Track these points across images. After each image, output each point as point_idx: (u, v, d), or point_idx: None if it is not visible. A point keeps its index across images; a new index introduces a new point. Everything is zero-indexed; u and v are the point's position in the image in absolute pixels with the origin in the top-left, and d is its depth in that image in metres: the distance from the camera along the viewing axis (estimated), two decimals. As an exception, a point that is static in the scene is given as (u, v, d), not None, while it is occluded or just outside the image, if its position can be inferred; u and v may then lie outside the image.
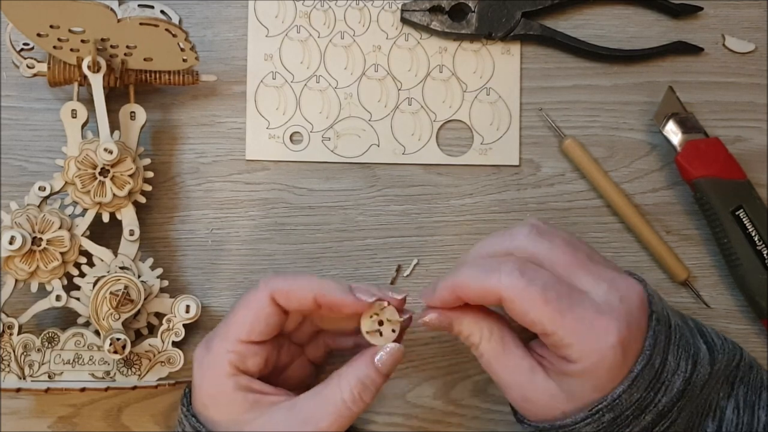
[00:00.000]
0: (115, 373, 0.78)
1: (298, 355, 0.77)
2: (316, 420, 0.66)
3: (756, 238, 0.81)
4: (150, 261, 0.80)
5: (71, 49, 0.77)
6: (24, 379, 0.77)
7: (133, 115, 0.80)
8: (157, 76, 0.81)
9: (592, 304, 0.64)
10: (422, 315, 0.69)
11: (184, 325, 0.79)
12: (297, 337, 0.76)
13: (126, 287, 0.76)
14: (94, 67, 0.77)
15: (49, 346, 0.78)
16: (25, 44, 0.80)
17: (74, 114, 0.79)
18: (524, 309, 0.64)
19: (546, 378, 0.66)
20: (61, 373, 0.78)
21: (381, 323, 0.68)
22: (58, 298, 0.77)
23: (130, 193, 0.78)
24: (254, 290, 0.69)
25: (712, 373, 0.68)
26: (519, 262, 0.65)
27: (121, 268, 0.78)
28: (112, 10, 0.73)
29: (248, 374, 0.69)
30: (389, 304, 0.68)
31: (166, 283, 0.80)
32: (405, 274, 0.85)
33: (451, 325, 0.69)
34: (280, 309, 0.69)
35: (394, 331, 0.68)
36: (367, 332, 0.68)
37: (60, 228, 0.76)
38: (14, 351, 0.77)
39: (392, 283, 0.85)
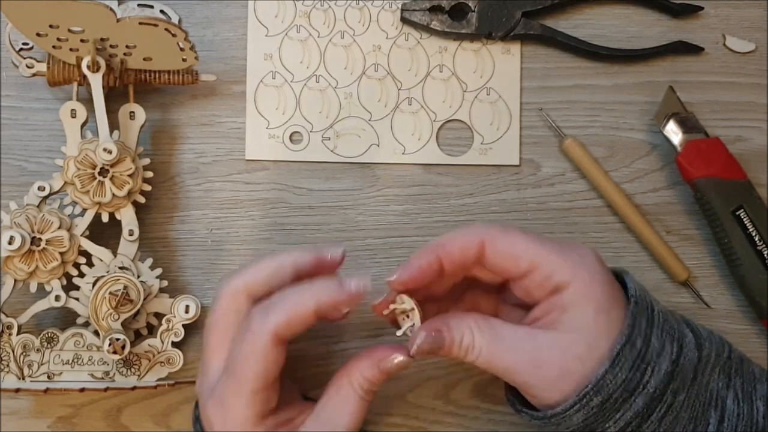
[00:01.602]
0: (114, 374, 0.78)
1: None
2: (342, 422, 0.68)
3: (756, 238, 0.81)
4: (149, 261, 0.80)
5: (70, 49, 0.77)
6: (23, 379, 0.77)
7: (132, 115, 0.80)
8: (157, 75, 0.81)
9: (558, 240, 0.68)
10: (410, 344, 0.67)
11: (183, 326, 0.79)
12: None
13: (125, 287, 0.76)
14: (94, 67, 0.77)
15: (49, 346, 0.78)
16: (24, 44, 0.80)
17: (73, 114, 0.78)
18: (508, 244, 0.66)
19: (547, 332, 0.66)
20: (61, 373, 0.78)
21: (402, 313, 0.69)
22: (57, 298, 0.77)
23: (130, 193, 0.78)
24: (251, 336, 0.65)
25: (701, 357, 0.68)
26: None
27: (121, 268, 0.78)
28: (111, 9, 0.73)
29: (273, 410, 0.69)
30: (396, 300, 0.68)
31: (165, 283, 0.80)
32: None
33: (441, 335, 0.66)
34: (285, 342, 0.66)
35: (408, 315, 0.68)
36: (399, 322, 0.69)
37: (59, 228, 0.76)
38: (13, 351, 0.77)
39: (392, 283, 0.85)
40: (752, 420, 0.68)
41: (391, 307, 0.68)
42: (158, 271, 0.80)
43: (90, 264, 0.79)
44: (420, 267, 0.67)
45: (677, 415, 0.66)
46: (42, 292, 0.78)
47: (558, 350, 0.65)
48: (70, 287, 0.78)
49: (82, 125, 0.79)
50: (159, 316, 0.80)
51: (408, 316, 0.68)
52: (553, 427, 0.67)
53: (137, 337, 0.80)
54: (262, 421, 0.67)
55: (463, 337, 0.67)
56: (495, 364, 0.67)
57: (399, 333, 0.68)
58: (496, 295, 0.75)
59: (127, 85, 0.81)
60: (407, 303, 0.68)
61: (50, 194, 0.78)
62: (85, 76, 0.77)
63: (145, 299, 0.77)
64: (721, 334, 0.72)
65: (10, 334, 0.77)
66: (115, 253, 0.79)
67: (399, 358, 0.68)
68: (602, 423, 0.65)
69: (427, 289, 0.70)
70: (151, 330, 0.80)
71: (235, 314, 0.68)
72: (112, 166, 0.76)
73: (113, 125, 0.79)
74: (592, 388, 0.64)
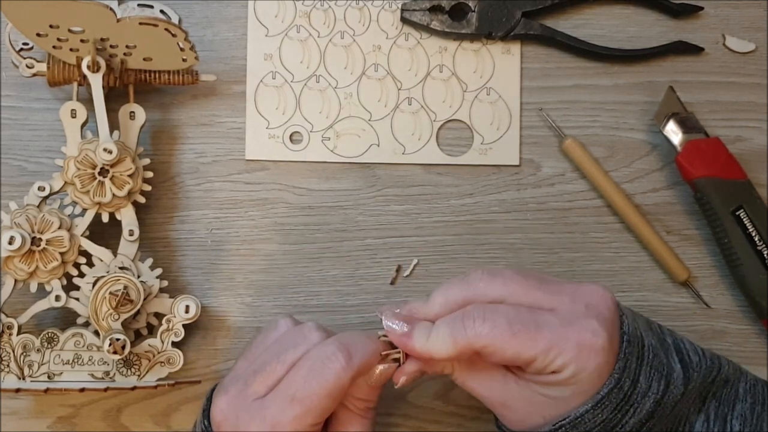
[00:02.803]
0: (114, 374, 0.78)
1: None
2: None
3: (756, 238, 0.81)
4: (149, 261, 0.80)
5: (71, 49, 0.77)
6: (23, 379, 0.77)
7: (132, 115, 0.80)
8: (157, 75, 0.81)
9: (559, 318, 0.64)
10: (397, 377, 0.68)
11: (183, 326, 0.79)
12: None
13: (125, 287, 0.76)
14: (94, 67, 0.77)
15: (49, 346, 0.78)
16: (24, 44, 0.80)
17: (74, 114, 0.78)
18: (500, 350, 0.63)
19: (519, 383, 0.67)
20: (61, 373, 0.78)
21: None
22: (57, 298, 0.77)
23: (130, 193, 0.78)
24: (335, 376, 0.64)
25: (686, 392, 0.67)
26: (478, 308, 0.65)
27: (121, 268, 0.78)
28: (111, 9, 0.73)
29: None
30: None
31: (165, 283, 0.80)
32: (405, 274, 0.85)
33: (423, 369, 0.68)
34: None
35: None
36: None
37: (59, 228, 0.76)
38: (14, 351, 0.77)
39: (392, 283, 0.85)
40: None
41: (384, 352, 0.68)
42: (158, 271, 0.80)
43: (90, 264, 0.79)
44: (416, 368, 0.68)
45: None
46: (42, 292, 0.78)
47: (525, 402, 0.67)
48: (70, 287, 0.78)
49: (82, 125, 0.79)
50: (159, 316, 0.80)
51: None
52: None
53: (137, 337, 0.80)
54: None
55: (443, 368, 0.68)
56: (469, 389, 0.69)
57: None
58: None
59: (127, 85, 0.81)
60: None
61: (50, 194, 0.78)
62: (85, 76, 0.77)
63: (145, 299, 0.77)
64: (729, 339, 0.72)
65: (10, 334, 0.77)
66: (115, 253, 0.79)
67: (379, 368, 0.68)
68: None
69: None
70: (151, 330, 0.80)
71: (334, 390, 0.67)
72: (112, 166, 0.76)
73: (113, 125, 0.79)
74: (568, 422, 0.64)
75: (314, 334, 0.69)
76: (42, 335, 0.78)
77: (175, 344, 0.79)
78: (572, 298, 0.66)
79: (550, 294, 0.66)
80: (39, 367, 0.77)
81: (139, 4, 0.84)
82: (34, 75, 0.79)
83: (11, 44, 0.80)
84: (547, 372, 0.64)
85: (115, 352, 0.74)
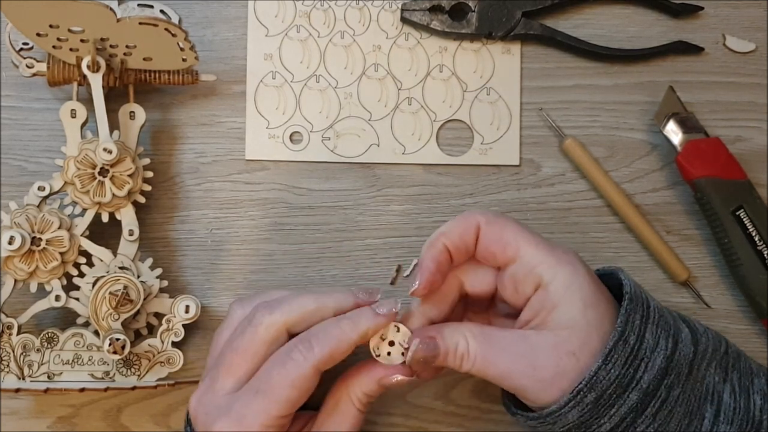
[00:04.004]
0: (114, 374, 0.78)
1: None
2: None
3: (756, 238, 0.81)
4: (149, 261, 0.80)
5: (71, 49, 0.77)
6: (23, 379, 0.77)
7: (132, 115, 0.80)
8: (157, 75, 0.81)
9: (563, 249, 0.70)
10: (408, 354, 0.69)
11: (183, 326, 0.79)
12: None
13: (125, 287, 0.76)
14: (94, 67, 0.77)
15: (49, 346, 0.78)
16: (24, 44, 0.80)
17: (73, 114, 0.78)
18: (499, 228, 0.69)
19: (538, 333, 0.68)
20: (61, 373, 0.78)
21: (387, 341, 0.69)
22: (57, 298, 0.77)
23: (130, 193, 0.78)
24: (295, 365, 0.65)
25: (697, 352, 0.68)
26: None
27: (121, 268, 0.78)
28: (111, 9, 0.73)
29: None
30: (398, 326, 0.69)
31: (165, 283, 0.80)
32: (405, 274, 0.85)
33: (435, 342, 0.67)
34: (320, 373, 0.67)
35: (402, 354, 0.69)
36: (376, 347, 0.69)
37: (59, 228, 0.76)
38: (13, 351, 0.77)
39: (392, 283, 0.85)
40: (749, 413, 0.68)
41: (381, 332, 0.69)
42: (158, 271, 0.80)
43: (90, 264, 0.79)
44: (435, 260, 0.69)
45: (672, 409, 0.66)
46: (42, 292, 0.78)
47: (551, 348, 0.66)
48: (70, 287, 0.78)
49: (82, 125, 0.79)
50: (159, 316, 0.80)
51: (393, 343, 0.69)
52: (549, 427, 0.68)
53: (137, 337, 0.80)
54: None
55: (457, 345, 0.68)
56: (490, 370, 0.68)
57: (380, 358, 0.69)
58: (487, 311, 0.77)
59: (127, 85, 0.81)
60: (400, 337, 0.69)
61: (50, 194, 0.78)
62: (85, 76, 0.77)
63: (145, 299, 0.77)
64: (729, 339, 0.73)
65: (10, 334, 0.77)
66: (115, 253, 0.79)
67: (399, 377, 0.69)
68: (597, 419, 0.66)
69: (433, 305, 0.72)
70: (151, 330, 0.80)
71: (270, 345, 0.68)
72: (112, 166, 0.76)
73: (113, 125, 0.79)
74: (585, 384, 0.64)
75: (262, 317, 0.69)
76: (42, 335, 0.78)
77: (175, 344, 0.79)
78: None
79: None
80: (39, 367, 0.77)
81: (139, 4, 0.84)
82: (34, 75, 0.79)
83: (11, 44, 0.80)
84: (531, 279, 0.68)
85: (115, 352, 0.74)
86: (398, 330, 0.69)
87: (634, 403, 0.65)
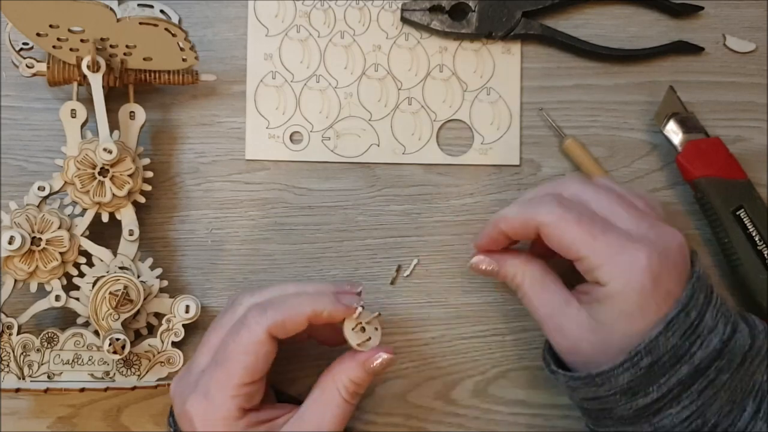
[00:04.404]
0: (114, 374, 0.78)
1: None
2: (325, 423, 0.70)
3: (756, 238, 0.81)
4: (149, 261, 0.80)
5: (71, 49, 0.77)
6: (23, 379, 0.77)
7: (132, 115, 0.80)
8: (157, 75, 0.81)
9: (624, 233, 0.69)
10: (471, 258, 0.78)
11: (183, 326, 0.79)
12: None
13: (125, 287, 0.76)
14: (94, 67, 0.77)
15: (49, 346, 0.78)
16: (24, 44, 0.80)
17: (73, 114, 0.78)
18: (559, 233, 0.69)
19: (578, 308, 0.71)
20: (61, 373, 0.78)
21: (362, 328, 0.70)
22: (57, 298, 0.77)
23: (130, 192, 0.78)
24: (246, 330, 0.68)
25: (753, 347, 0.69)
26: (558, 196, 0.72)
27: (121, 268, 0.78)
28: (111, 9, 0.73)
29: (255, 409, 0.70)
30: (363, 308, 0.70)
31: (165, 283, 0.80)
32: (405, 274, 0.85)
33: (496, 268, 0.77)
34: (276, 341, 0.68)
35: (376, 329, 0.71)
36: (352, 330, 0.70)
37: (59, 228, 0.76)
38: (13, 351, 0.77)
39: (392, 283, 0.85)
40: None
41: (356, 315, 0.70)
42: (158, 271, 0.80)
43: (90, 264, 0.79)
44: (489, 238, 0.76)
45: (717, 392, 0.67)
46: (42, 292, 0.78)
47: (576, 326, 0.71)
48: (70, 287, 0.78)
49: (82, 125, 0.79)
50: (159, 316, 0.80)
51: (364, 329, 0.71)
52: (593, 389, 0.69)
53: (137, 337, 0.80)
54: (244, 416, 0.68)
55: (515, 275, 0.76)
56: (530, 307, 0.75)
57: (356, 344, 0.70)
58: None
59: (127, 85, 0.81)
60: (365, 316, 0.71)
61: (50, 194, 0.78)
62: (85, 76, 0.77)
63: (145, 299, 0.77)
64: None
65: (10, 334, 0.77)
66: (115, 253, 0.79)
67: (383, 356, 0.70)
68: (646, 386, 0.67)
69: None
70: (151, 330, 0.80)
71: (261, 349, 0.69)
72: (112, 166, 0.76)
73: (113, 125, 0.79)
74: (644, 347, 0.66)
75: (245, 299, 0.71)
76: (42, 335, 0.78)
77: (175, 344, 0.79)
78: (650, 226, 0.70)
79: (633, 216, 0.71)
80: (39, 367, 0.77)
81: (139, 4, 0.84)
82: (34, 75, 0.79)
83: (11, 44, 0.80)
84: (592, 278, 0.69)
85: (115, 352, 0.74)
86: (369, 323, 0.70)
87: (683, 376, 0.66)
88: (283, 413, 0.71)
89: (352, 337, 0.69)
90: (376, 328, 0.70)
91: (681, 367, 0.66)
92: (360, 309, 0.69)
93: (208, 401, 0.68)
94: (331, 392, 0.70)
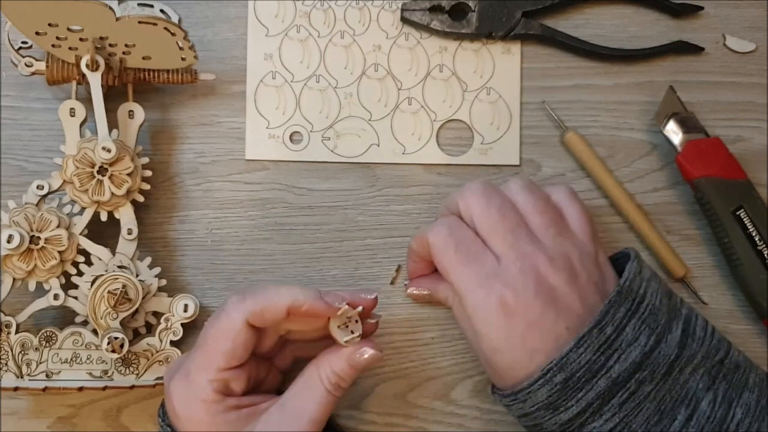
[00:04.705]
0: (113, 372, 0.78)
1: (270, 367, 0.77)
2: (307, 412, 0.69)
3: (756, 238, 0.81)
4: (148, 260, 0.80)
5: (70, 48, 0.77)
6: (22, 378, 0.77)
7: (131, 114, 0.80)
8: (156, 74, 0.81)
9: (492, 267, 0.71)
10: (407, 287, 0.84)
11: (182, 325, 0.79)
12: (267, 351, 0.76)
13: (124, 286, 0.76)
14: (93, 66, 0.77)
15: (47, 345, 0.77)
16: (23, 42, 0.80)
17: (72, 113, 0.79)
18: (439, 256, 0.74)
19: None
20: (59, 372, 0.78)
21: (347, 325, 0.70)
22: (56, 296, 0.77)
23: (129, 191, 0.78)
24: (226, 316, 0.68)
25: (681, 356, 0.69)
26: (451, 220, 0.75)
27: (119, 267, 0.78)
28: (110, 8, 0.73)
29: (234, 395, 0.70)
30: (353, 308, 0.70)
31: (164, 282, 0.80)
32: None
33: (430, 294, 0.82)
34: (254, 330, 0.69)
35: (357, 321, 0.70)
36: (338, 327, 0.70)
37: (58, 227, 0.76)
38: (12, 350, 0.77)
39: (392, 283, 0.85)
40: (723, 424, 0.68)
41: (339, 312, 0.69)
42: (157, 270, 0.80)
43: (89, 263, 0.79)
44: (411, 261, 0.82)
45: (640, 403, 0.67)
46: (41, 290, 0.78)
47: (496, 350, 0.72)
48: (68, 286, 0.78)
49: (81, 124, 0.79)
50: (158, 315, 0.80)
51: (347, 326, 0.70)
52: (520, 405, 0.70)
53: (136, 336, 0.80)
54: (223, 400, 0.69)
55: (447, 297, 0.79)
56: (462, 327, 0.77)
57: (344, 341, 0.70)
58: None
59: (126, 84, 0.81)
60: (353, 316, 0.70)
61: (49, 193, 0.78)
62: (84, 75, 0.77)
63: (143, 298, 0.77)
64: (729, 339, 0.73)
65: (8, 333, 0.77)
66: (113, 252, 0.79)
67: (369, 352, 0.70)
68: (565, 401, 0.68)
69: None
70: (150, 329, 0.80)
71: (238, 335, 0.69)
72: (111, 164, 0.77)
73: (112, 124, 0.79)
74: (555, 364, 0.66)
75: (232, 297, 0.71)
76: (40, 334, 0.77)
77: (173, 343, 0.79)
78: (517, 257, 0.72)
79: (506, 244, 0.72)
80: (37, 366, 0.77)
81: (139, 3, 0.84)
82: (33, 74, 0.79)
83: (10, 43, 0.80)
84: (460, 300, 0.73)
85: (113, 351, 0.74)
86: (357, 321, 0.70)
87: (602, 390, 0.67)
88: (265, 399, 0.72)
89: (339, 335, 0.69)
90: (357, 321, 0.70)
91: (598, 381, 0.67)
92: (345, 307, 0.69)
93: (188, 382, 0.69)
94: (314, 382, 0.70)
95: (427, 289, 0.82)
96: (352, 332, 0.70)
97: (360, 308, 0.70)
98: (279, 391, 0.74)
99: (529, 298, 0.69)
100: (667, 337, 0.69)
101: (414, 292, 0.82)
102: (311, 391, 0.70)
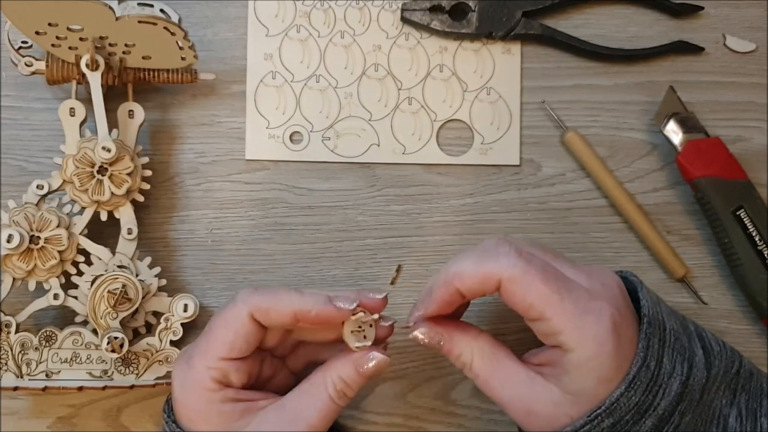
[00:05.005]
0: (112, 372, 0.78)
1: (281, 368, 0.75)
2: (306, 417, 0.67)
3: (756, 238, 0.81)
4: (148, 260, 0.80)
5: (69, 47, 0.77)
6: (21, 377, 0.77)
7: (131, 114, 0.80)
8: (156, 74, 0.81)
9: (584, 289, 0.65)
10: (413, 328, 0.69)
11: (182, 325, 0.79)
12: (278, 350, 0.74)
13: (124, 286, 0.76)
14: (93, 65, 0.77)
15: (47, 344, 0.77)
16: (23, 42, 0.80)
17: (72, 112, 0.79)
18: (524, 290, 0.63)
19: (546, 383, 0.65)
20: (59, 371, 0.78)
21: (361, 330, 0.69)
22: (55, 296, 0.77)
23: (129, 191, 0.78)
24: (233, 306, 0.67)
25: (710, 377, 0.67)
26: (515, 246, 0.65)
27: (119, 266, 0.78)
28: (110, 8, 0.73)
29: (233, 387, 0.69)
30: (364, 311, 0.68)
31: (164, 281, 0.80)
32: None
33: (440, 343, 0.68)
34: (259, 326, 0.68)
35: (371, 326, 0.68)
36: (351, 332, 0.68)
37: (58, 226, 0.76)
38: (12, 349, 0.77)
39: (392, 283, 0.85)
40: None
41: (354, 317, 0.68)
42: (157, 269, 0.80)
43: (89, 262, 0.79)
44: (442, 301, 0.67)
45: None
46: (40, 290, 0.78)
47: (551, 405, 0.65)
48: (68, 286, 0.78)
49: (81, 124, 0.79)
50: (158, 314, 0.80)
51: (361, 329, 0.69)
52: None
53: (136, 335, 0.80)
54: (221, 390, 0.68)
55: (461, 354, 0.68)
56: (489, 391, 0.68)
57: (355, 346, 0.68)
58: None
59: (126, 84, 0.81)
60: (366, 319, 0.68)
61: (49, 192, 0.78)
62: (84, 75, 0.77)
63: (143, 298, 0.77)
64: (729, 339, 0.72)
65: (8, 333, 0.77)
66: (113, 252, 0.79)
67: (377, 357, 0.67)
68: None
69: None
70: (150, 329, 0.80)
71: (241, 327, 0.68)
72: (110, 164, 0.77)
73: (112, 124, 0.79)
74: (604, 410, 0.63)
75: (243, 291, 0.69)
76: (40, 333, 0.78)
77: (173, 343, 0.79)
78: (589, 275, 0.66)
79: (570, 266, 0.67)
80: (37, 366, 0.77)
81: (139, 3, 0.84)
82: (33, 73, 0.79)
83: (10, 42, 0.80)
84: (553, 342, 0.65)
85: (113, 351, 0.74)
86: (370, 325, 0.69)
87: (648, 429, 0.64)
88: (265, 397, 0.70)
89: (351, 340, 0.68)
90: (371, 325, 0.69)
91: (646, 420, 0.64)
92: (360, 314, 0.68)
93: (189, 367, 0.68)
94: (318, 388, 0.68)
95: (442, 337, 0.69)
96: (365, 337, 0.68)
97: (376, 315, 0.68)
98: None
99: (625, 313, 0.65)
100: (694, 360, 0.67)
101: (422, 337, 0.69)
102: (314, 397, 0.68)
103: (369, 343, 0.68)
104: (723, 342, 0.71)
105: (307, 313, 0.66)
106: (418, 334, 0.68)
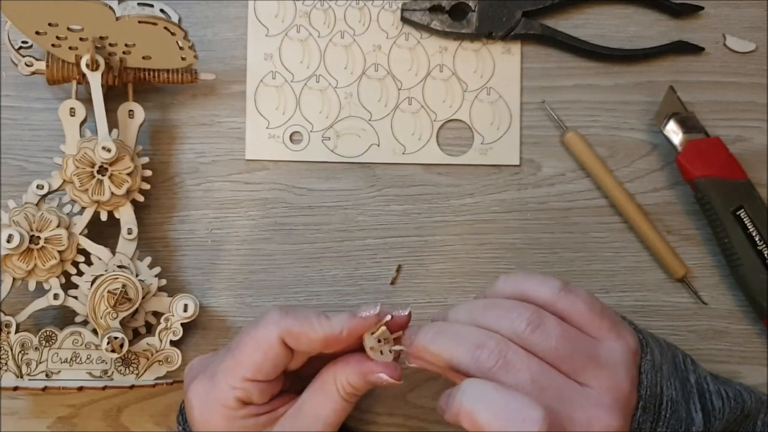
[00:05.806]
0: (112, 372, 0.78)
1: (295, 377, 0.73)
2: (322, 416, 0.68)
3: (756, 238, 0.81)
4: (148, 260, 0.80)
5: (70, 47, 0.77)
6: (21, 377, 0.77)
7: (131, 114, 0.80)
8: (156, 74, 0.81)
9: (587, 399, 0.60)
10: (411, 360, 0.67)
11: (182, 325, 0.79)
12: (301, 372, 0.72)
13: (124, 286, 0.76)
14: (93, 65, 0.77)
15: (47, 344, 0.78)
16: (23, 42, 0.80)
17: (72, 112, 0.79)
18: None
19: None
20: (59, 371, 0.78)
21: (381, 338, 0.68)
22: (55, 296, 0.78)
23: (129, 191, 0.78)
24: (263, 327, 0.66)
25: None
26: (502, 346, 0.60)
27: (119, 266, 0.78)
28: (110, 8, 0.73)
29: (255, 404, 0.68)
30: (384, 323, 0.67)
31: (164, 281, 0.80)
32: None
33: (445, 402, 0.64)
34: (287, 349, 0.66)
35: (391, 351, 0.67)
36: (371, 348, 0.67)
37: (58, 226, 0.76)
38: (12, 349, 0.77)
39: (392, 283, 0.85)
40: None
41: (378, 331, 0.67)
42: (157, 269, 0.80)
43: (89, 262, 0.79)
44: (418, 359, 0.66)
45: None
46: (41, 290, 0.78)
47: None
48: (68, 286, 0.78)
49: (81, 124, 0.79)
50: (158, 314, 0.80)
51: (381, 341, 0.67)
52: None
53: (136, 335, 0.80)
54: (242, 407, 0.67)
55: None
56: None
57: (372, 354, 0.67)
58: None
59: (126, 84, 0.81)
60: (384, 333, 0.67)
61: (49, 192, 0.78)
62: (84, 75, 0.77)
63: (143, 298, 0.77)
64: (729, 339, 0.71)
65: (8, 333, 0.77)
66: (113, 252, 0.79)
67: (387, 379, 0.67)
68: None
69: None
70: (150, 329, 0.80)
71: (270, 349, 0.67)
72: (110, 164, 0.77)
73: (112, 124, 0.79)
74: None
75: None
76: (40, 333, 0.78)
77: (173, 343, 0.79)
78: (595, 365, 0.62)
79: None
80: (37, 366, 0.77)
81: (139, 3, 0.84)
82: (33, 73, 0.79)
83: (10, 42, 0.80)
84: None
85: (113, 351, 0.74)
86: (388, 340, 0.68)
87: None
88: (283, 403, 0.70)
89: (368, 340, 0.67)
90: (391, 351, 0.67)
91: None
92: (383, 329, 0.66)
93: (212, 384, 0.67)
94: (329, 388, 0.68)
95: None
96: (382, 352, 0.67)
97: (401, 332, 0.67)
98: (298, 391, 0.71)
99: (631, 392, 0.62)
100: (691, 430, 0.65)
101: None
102: (326, 396, 0.68)
103: (384, 358, 0.67)
104: (726, 391, 0.69)
105: (338, 335, 0.65)
106: (415, 365, 0.66)
